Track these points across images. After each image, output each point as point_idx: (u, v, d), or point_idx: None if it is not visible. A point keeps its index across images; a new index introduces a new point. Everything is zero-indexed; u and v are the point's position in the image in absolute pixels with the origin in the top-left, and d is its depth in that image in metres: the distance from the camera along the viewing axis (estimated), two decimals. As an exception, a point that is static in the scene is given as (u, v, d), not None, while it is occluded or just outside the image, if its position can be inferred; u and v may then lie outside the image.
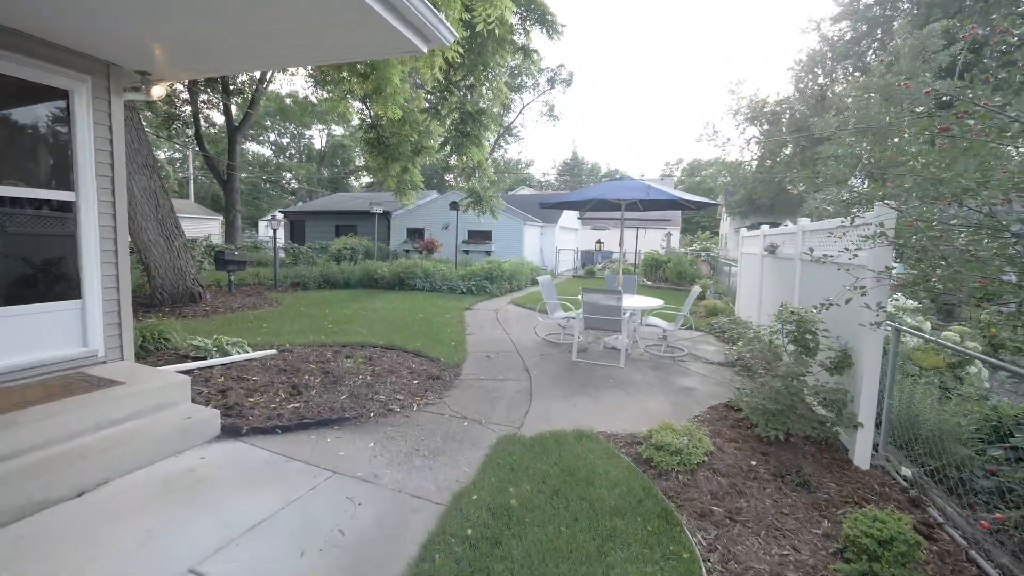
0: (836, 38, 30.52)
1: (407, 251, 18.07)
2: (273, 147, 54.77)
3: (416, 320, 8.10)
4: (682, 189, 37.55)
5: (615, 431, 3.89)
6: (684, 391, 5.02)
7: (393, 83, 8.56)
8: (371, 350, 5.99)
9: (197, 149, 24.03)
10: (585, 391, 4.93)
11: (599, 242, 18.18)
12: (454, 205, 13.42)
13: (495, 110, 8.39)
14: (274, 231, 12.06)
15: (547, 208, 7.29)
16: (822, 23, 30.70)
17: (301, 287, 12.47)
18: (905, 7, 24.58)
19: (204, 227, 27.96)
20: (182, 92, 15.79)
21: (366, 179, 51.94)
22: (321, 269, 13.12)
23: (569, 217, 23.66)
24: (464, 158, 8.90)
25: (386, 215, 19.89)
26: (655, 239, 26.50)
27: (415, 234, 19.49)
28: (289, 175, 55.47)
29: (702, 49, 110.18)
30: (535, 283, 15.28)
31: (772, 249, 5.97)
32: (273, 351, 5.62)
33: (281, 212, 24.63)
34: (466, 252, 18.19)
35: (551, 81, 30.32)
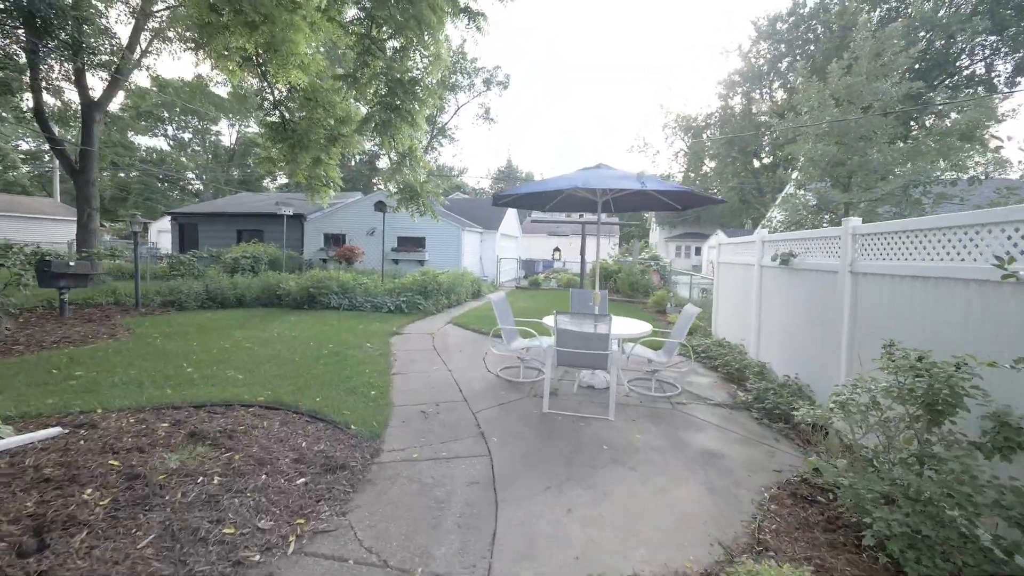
0: (756, 59, 32.66)
1: (324, 261, 15.47)
2: (172, 142, 47.97)
3: (323, 356, 5.98)
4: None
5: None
6: (710, 460, 3.52)
7: (298, 49, 6.49)
8: (239, 415, 3.87)
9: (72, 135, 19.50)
10: (575, 473, 3.26)
11: (557, 249, 16.88)
12: (380, 206, 11.30)
13: (432, 81, 6.60)
14: (135, 233, 9.17)
15: (502, 204, 5.57)
16: (742, 45, 32.67)
17: (176, 307, 9.64)
18: (820, 31, 26.61)
19: (64, 231, 22.87)
20: (17, 54, 12.09)
21: (283, 180, 47.08)
22: (207, 283, 10.34)
23: (510, 223, 22.24)
24: (393, 141, 6.96)
25: (299, 219, 17.08)
26: (602, 248, 25.97)
27: (334, 241, 16.87)
28: (192, 175, 48.94)
29: (635, 62, 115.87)
30: (477, 297, 13.52)
31: (786, 259, 4.75)
32: (54, 431, 3.32)
33: (169, 214, 20.64)
34: (395, 262, 15.98)
35: (487, 82, 28.95)
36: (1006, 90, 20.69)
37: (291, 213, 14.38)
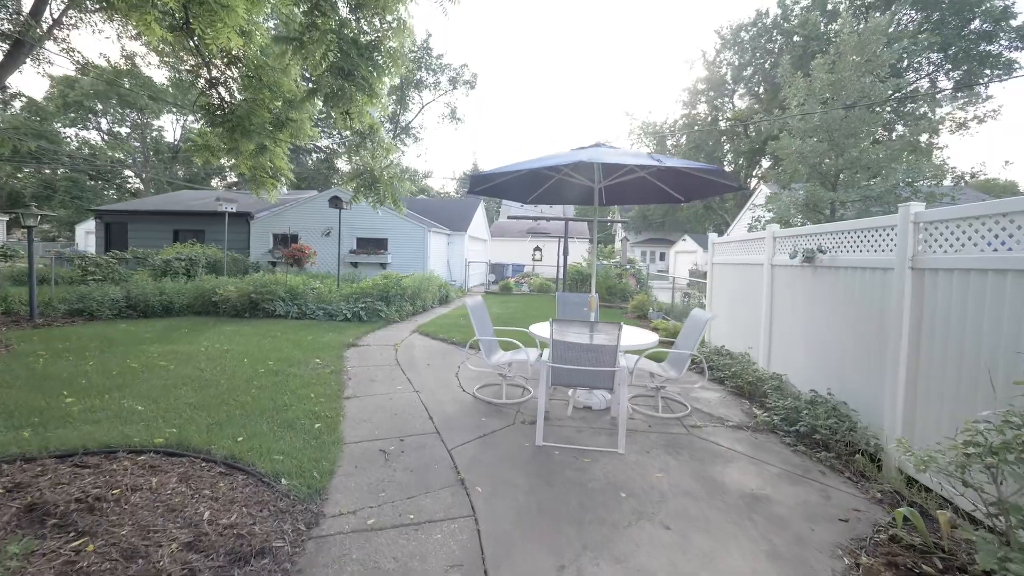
0: (719, 68, 33.47)
1: (273, 264, 13.99)
2: (107, 136, 43.97)
3: (258, 376, 4.86)
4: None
5: None
6: (756, 506, 2.76)
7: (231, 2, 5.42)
8: (120, 469, 2.76)
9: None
10: (592, 537, 2.40)
11: (538, 249, 15.97)
12: (335, 202, 10.13)
13: (394, 45, 5.62)
14: (29, 229, 7.60)
15: (479, 191, 4.64)
16: (707, 53, 33.45)
17: (85, 316, 8.11)
18: (781, 41, 27.43)
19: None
20: None
21: (234, 178, 44.10)
22: (128, 289, 8.82)
23: (478, 225, 21.33)
24: (348, 117, 5.93)
25: (245, 217, 15.48)
26: (574, 251, 25.40)
27: (284, 242, 15.38)
28: (130, 173, 45.08)
29: (602, 69, 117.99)
30: (445, 302, 12.52)
31: (810, 256, 4.12)
32: None
33: (93, 211, 18.38)
34: (354, 265, 14.70)
35: (454, 81, 27.96)
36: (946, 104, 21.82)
37: (234, 210, 12.88)
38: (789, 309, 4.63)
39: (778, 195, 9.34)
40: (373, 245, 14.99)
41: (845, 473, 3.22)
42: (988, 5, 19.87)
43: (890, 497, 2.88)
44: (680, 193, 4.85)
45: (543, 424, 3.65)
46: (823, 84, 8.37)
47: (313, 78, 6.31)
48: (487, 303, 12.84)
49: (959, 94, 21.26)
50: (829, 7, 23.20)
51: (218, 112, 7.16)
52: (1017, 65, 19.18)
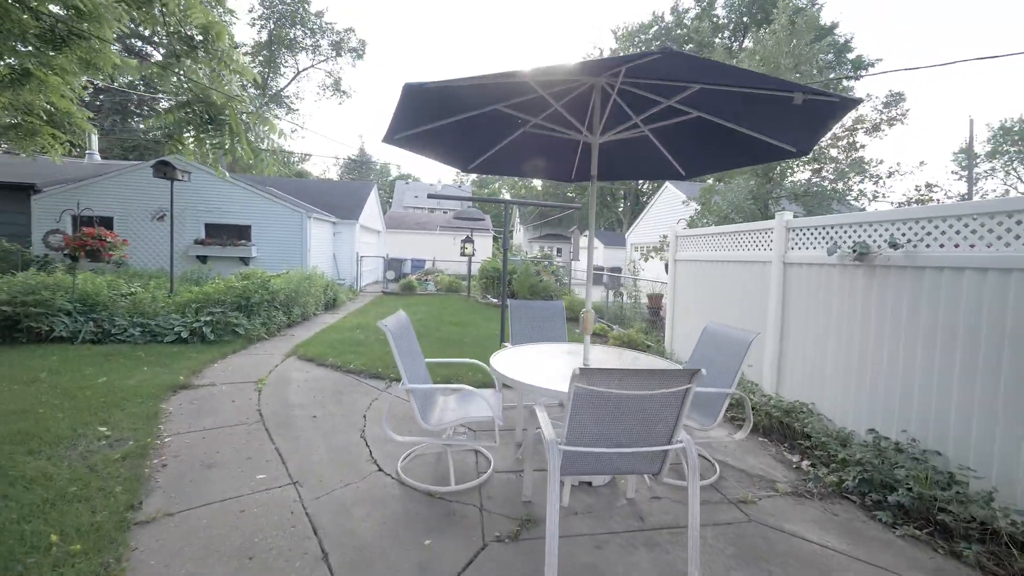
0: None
1: (74, 257, 9.90)
2: None
3: (-73, 494, 2.35)
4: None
5: None
6: None
7: None
8: None
9: None
10: None
11: (468, 240, 13.72)
12: (163, 170, 7.07)
13: None
14: None
15: (404, 137, 2.59)
16: (602, 52, 34.19)
17: None
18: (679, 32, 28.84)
19: None
20: None
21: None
22: None
23: (371, 214, 18.49)
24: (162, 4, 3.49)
25: (26, 191, 10.86)
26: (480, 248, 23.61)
27: (90, 226, 11.11)
28: None
29: (506, 54, 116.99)
30: (333, 308, 10.03)
31: (864, 252, 3.07)
32: None
33: None
34: (201, 260, 11.20)
35: (337, 47, 24.07)
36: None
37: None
38: (817, 321, 3.60)
39: (710, 188, 8.87)
40: (230, 233, 11.56)
41: (991, 569, 2.13)
42: (831, 38, 23.03)
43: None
44: (732, 150, 3.43)
45: (528, 524, 1.96)
46: (764, 55, 8.05)
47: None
48: (387, 308, 10.63)
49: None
50: (715, 20, 24.99)
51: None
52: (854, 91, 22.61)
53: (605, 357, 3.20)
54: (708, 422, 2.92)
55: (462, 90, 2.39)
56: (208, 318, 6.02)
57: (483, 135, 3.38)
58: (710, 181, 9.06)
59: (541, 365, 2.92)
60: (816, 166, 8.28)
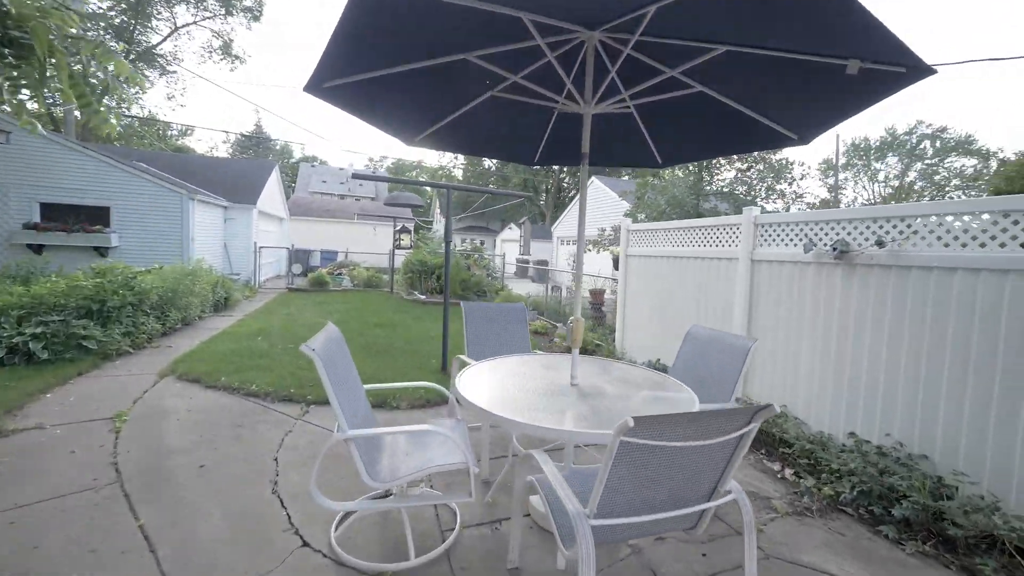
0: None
1: None
2: None
3: None
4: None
5: None
6: None
7: None
8: None
9: None
10: None
11: (405, 231, 12.16)
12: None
13: None
14: None
15: (337, 86, 1.79)
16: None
17: None
18: None
19: None
20: None
21: None
22: None
23: (272, 198, 16.22)
24: None
25: None
26: (386, 236, 22.00)
27: None
28: None
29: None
30: (225, 309, 8.48)
31: (844, 249, 2.94)
32: None
33: None
34: (35, 250, 8.79)
35: (226, 3, 20.60)
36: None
37: None
38: (789, 321, 3.46)
39: (645, 183, 8.89)
40: (79, 216, 9.17)
41: None
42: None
43: None
44: (725, 136, 3.04)
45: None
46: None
47: None
48: (297, 308, 9.24)
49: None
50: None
51: None
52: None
53: (591, 371, 2.70)
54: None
55: (433, 8, 1.68)
56: (38, 330, 4.47)
57: (441, 97, 2.67)
58: (649, 177, 9.12)
59: (524, 389, 2.33)
60: (743, 165, 8.71)
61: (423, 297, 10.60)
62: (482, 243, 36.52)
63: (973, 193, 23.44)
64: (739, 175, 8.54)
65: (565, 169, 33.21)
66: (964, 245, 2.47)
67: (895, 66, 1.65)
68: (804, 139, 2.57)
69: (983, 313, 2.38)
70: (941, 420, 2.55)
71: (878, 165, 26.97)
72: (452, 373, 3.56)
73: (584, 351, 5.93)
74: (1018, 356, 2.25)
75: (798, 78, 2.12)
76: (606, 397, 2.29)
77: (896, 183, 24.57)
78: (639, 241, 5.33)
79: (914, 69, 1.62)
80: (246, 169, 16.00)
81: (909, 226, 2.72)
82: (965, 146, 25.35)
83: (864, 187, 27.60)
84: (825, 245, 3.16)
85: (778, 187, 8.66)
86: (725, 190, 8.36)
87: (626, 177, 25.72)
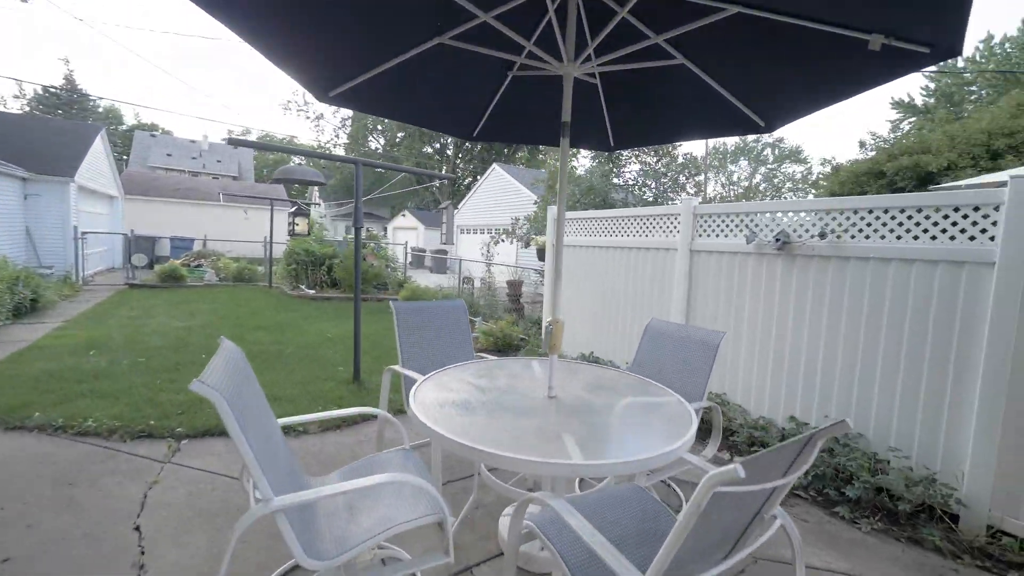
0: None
1: None
2: None
3: None
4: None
5: None
6: None
7: None
8: None
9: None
10: None
11: (300, 214, 9.82)
12: None
13: None
14: None
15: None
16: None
17: None
18: None
19: None
20: None
21: None
22: None
23: (97, 170, 12.75)
24: None
25: None
26: (260, 221, 19.11)
27: None
28: None
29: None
30: (33, 314, 6.46)
31: (785, 240, 3.03)
32: None
33: None
34: None
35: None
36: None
37: None
38: (729, 310, 3.53)
39: (544, 179, 8.82)
40: None
41: (927, 546, 2.22)
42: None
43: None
44: (690, 118, 2.83)
45: None
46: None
47: None
48: (145, 310, 7.43)
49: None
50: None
51: None
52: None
53: (557, 376, 2.36)
54: (709, 451, 2.42)
55: None
56: None
57: (374, 38, 2.05)
58: (555, 163, 9.09)
59: (500, 407, 1.89)
60: (654, 159, 9.14)
61: (312, 292, 9.29)
62: (381, 232, 34.12)
63: (806, 194, 28.66)
64: (644, 168, 9.03)
65: (460, 155, 32.47)
66: (899, 238, 2.66)
67: (921, 45, 1.55)
68: (770, 127, 2.51)
69: (915, 301, 2.58)
70: (875, 401, 2.74)
71: (732, 167, 31.51)
72: (383, 386, 2.96)
73: (508, 346, 5.63)
74: (945, 341, 2.47)
75: (794, 57, 1.99)
76: (594, 411, 1.98)
77: (746, 183, 28.96)
78: (569, 230, 5.15)
79: (939, 49, 1.54)
80: (58, 132, 12.36)
81: (848, 218, 2.87)
82: (796, 155, 30.83)
83: (722, 185, 32.11)
84: (765, 236, 3.24)
85: (681, 180, 9.34)
86: (632, 182, 8.75)
87: (522, 165, 26.04)
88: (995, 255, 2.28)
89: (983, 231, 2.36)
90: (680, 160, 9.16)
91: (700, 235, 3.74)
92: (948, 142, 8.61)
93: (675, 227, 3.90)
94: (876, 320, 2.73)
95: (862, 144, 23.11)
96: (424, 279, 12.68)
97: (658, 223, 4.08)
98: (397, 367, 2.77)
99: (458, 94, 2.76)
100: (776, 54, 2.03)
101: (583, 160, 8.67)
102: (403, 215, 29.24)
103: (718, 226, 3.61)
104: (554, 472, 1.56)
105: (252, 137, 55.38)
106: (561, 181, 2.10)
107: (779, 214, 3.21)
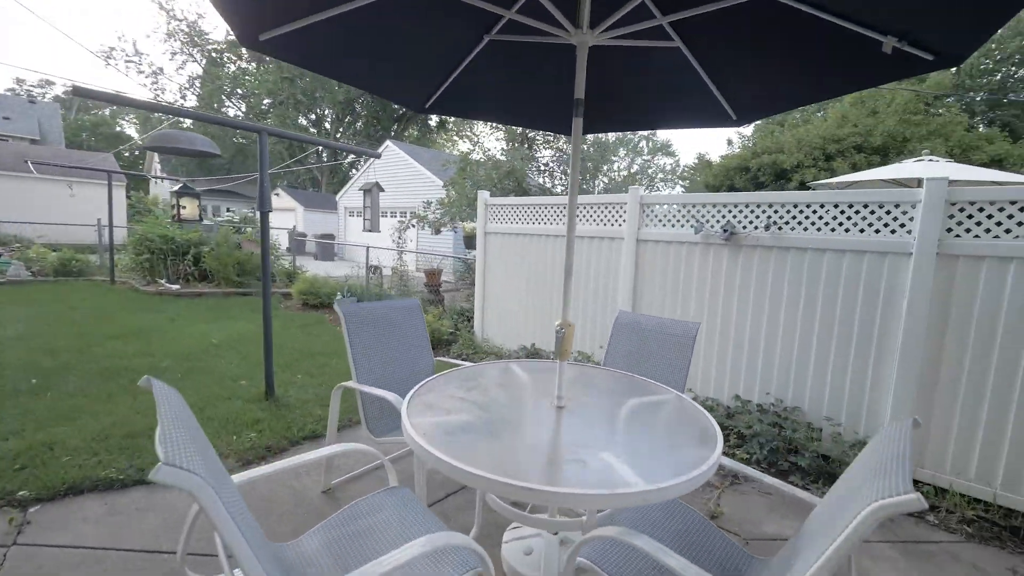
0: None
1: None
2: None
3: None
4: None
5: None
6: None
7: None
8: None
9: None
10: None
11: (187, 194, 7.24)
12: None
13: None
14: None
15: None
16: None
17: None
18: None
19: None
20: None
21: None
22: None
23: None
24: None
25: None
26: (91, 199, 15.13)
27: None
28: None
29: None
30: None
31: (732, 231, 3.21)
32: None
33: None
34: None
35: None
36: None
37: None
38: (675, 298, 3.66)
39: (467, 163, 8.37)
40: None
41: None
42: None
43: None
44: (668, 106, 2.70)
45: None
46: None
47: None
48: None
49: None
50: None
51: None
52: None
53: (552, 382, 2.15)
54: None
55: None
56: None
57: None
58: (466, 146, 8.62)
59: (526, 428, 1.62)
60: (564, 144, 9.18)
61: (176, 287, 7.64)
62: (228, 210, 29.49)
63: (678, 187, 32.14)
64: (557, 153, 9.10)
65: (341, 129, 29.65)
66: (833, 230, 2.94)
67: (929, 52, 1.62)
68: (741, 121, 2.55)
69: (845, 288, 2.90)
70: (810, 376, 3.05)
71: (613, 157, 34.00)
72: (331, 408, 2.46)
73: (439, 342, 5.25)
74: (870, 321, 2.82)
75: (793, 51, 1.99)
76: (613, 420, 1.83)
77: (625, 173, 31.51)
78: (502, 217, 4.89)
79: (944, 58, 1.63)
80: None
81: (788, 211, 3.10)
82: (666, 148, 34.34)
83: (604, 175, 34.49)
84: (712, 227, 3.39)
85: (603, 167, 9.61)
86: (544, 167, 8.77)
87: (410, 143, 24.75)
88: (912, 246, 2.64)
89: (902, 225, 2.71)
90: (591, 149, 9.47)
91: (646, 224, 3.80)
92: (796, 144, 10.26)
93: (621, 216, 3.91)
94: (812, 305, 3.03)
95: (729, 142, 26.50)
96: (312, 267, 11.34)
97: (605, 212, 4.05)
98: (351, 383, 2.31)
99: (417, 55, 2.31)
100: (774, 46, 2.02)
101: (495, 143, 8.44)
102: (276, 194, 25.72)
103: (665, 216, 3.70)
104: (624, 504, 1.36)
105: (58, 89, 44.03)
106: (573, 165, 1.85)
107: (727, 206, 3.37)
